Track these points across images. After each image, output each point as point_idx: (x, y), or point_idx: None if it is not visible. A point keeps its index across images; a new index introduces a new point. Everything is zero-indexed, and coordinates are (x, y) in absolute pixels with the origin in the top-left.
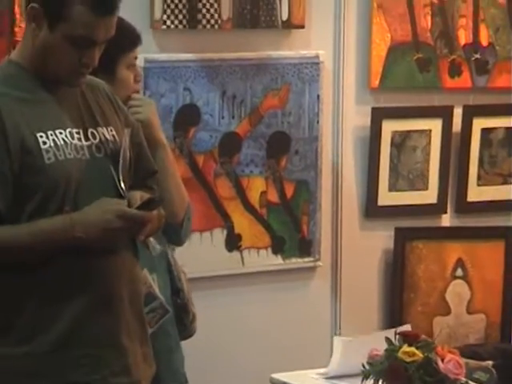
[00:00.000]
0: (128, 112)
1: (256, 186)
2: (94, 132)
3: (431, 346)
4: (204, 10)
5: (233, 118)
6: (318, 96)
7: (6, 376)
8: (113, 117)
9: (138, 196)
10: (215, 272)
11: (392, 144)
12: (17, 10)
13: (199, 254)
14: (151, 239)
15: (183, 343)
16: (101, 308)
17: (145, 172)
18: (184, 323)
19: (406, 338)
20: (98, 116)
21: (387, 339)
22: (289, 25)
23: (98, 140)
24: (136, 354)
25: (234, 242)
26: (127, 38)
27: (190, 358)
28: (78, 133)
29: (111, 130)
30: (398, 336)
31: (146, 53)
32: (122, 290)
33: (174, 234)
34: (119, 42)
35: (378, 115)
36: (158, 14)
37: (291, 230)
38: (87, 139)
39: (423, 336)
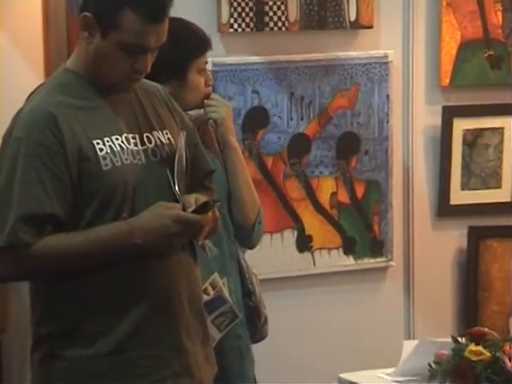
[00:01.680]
0: (184, 114)
1: (326, 187)
2: (150, 136)
3: (499, 344)
4: (271, 13)
5: (301, 119)
6: (388, 96)
7: (72, 377)
8: (168, 120)
9: (193, 199)
10: (286, 273)
11: (464, 142)
12: None
13: (270, 255)
14: (207, 242)
15: (254, 347)
16: (161, 310)
17: (202, 172)
18: (256, 326)
19: (473, 337)
20: (153, 120)
21: (454, 338)
22: (357, 25)
23: (153, 144)
24: (197, 354)
25: (304, 243)
26: (197, 43)
27: (260, 358)
28: (133, 138)
29: (166, 133)
30: (465, 335)
31: (213, 56)
32: (180, 292)
33: (246, 236)
34: (190, 46)
35: (449, 114)
36: (225, 17)
37: (362, 230)
38: (143, 144)
39: (491, 334)
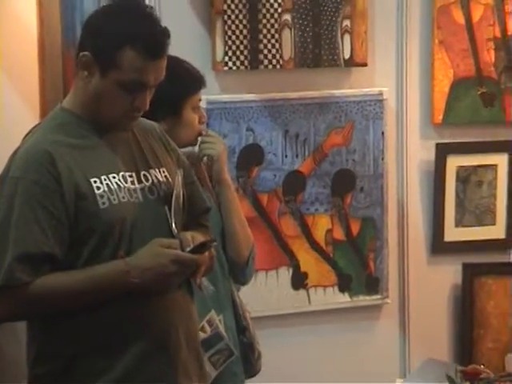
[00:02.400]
0: (180, 152)
1: (321, 224)
2: (147, 174)
3: (492, 383)
4: (265, 51)
5: (296, 156)
6: (383, 133)
7: None
8: (165, 158)
9: (190, 237)
10: (282, 311)
11: (457, 179)
12: None
13: (265, 292)
14: (204, 280)
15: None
16: (159, 349)
17: (198, 210)
18: (250, 361)
19: (468, 376)
20: (150, 158)
21: (448, 377)
22: (351, 63)
23: (150, 182)
24: None
25: (300, 281)
26: (192, 81)
27: None
28: (130, 176)
29: (163, 171)
30: (458, 373)
31: (208, 94)
32: (178, 330)
33: (240, 273)
34: (184, 84)
35: (443, 150)
36: (219, 55)
37: (358, 267)
38: (140, 182)
39: (486, 372)
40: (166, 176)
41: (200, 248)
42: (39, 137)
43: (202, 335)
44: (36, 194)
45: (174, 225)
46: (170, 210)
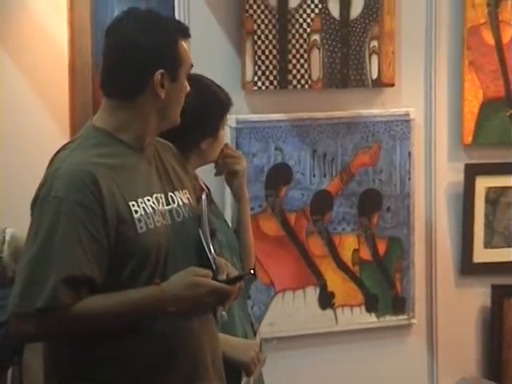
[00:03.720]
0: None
1: (348, 244)
2: (173, 196)
3: None
4: (294, 71)
5: (324, 176)
6: (410, 153)
7: None
8: (185, 179)
9: (224, 264)
10: (308, 330)
11: (486, 200)
12: None
13: (292, 312)
14: (220, 309)
15: None
16: (189, 377)
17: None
18: None
19: None
20: (174, 179)
21: None
22: (379, 83)
23: (176, 204)
24: None
25: (327, 300)
26: (225, 100)
27: None
28: (161, 197)
29: (185, 193)
30: None
31: (237, 113)
32: (206, 355)
33: (250, 286)
34: (221, 104)
35: (472, 171)
36: (249, 75)
37: (384, 287)
38: (168, 203)
39: None
40: (188, 198)
41: (236, 280)
42: (78, 157)
43: None
44: (80, 216)
45: (211, 250)
46: (205, 234)
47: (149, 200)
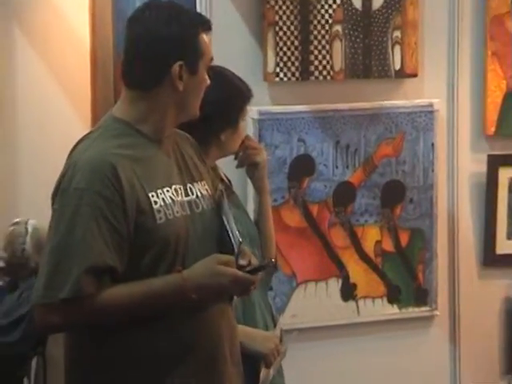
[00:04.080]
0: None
1: (371, 235)
2: (192, 187)
3: None
4: (316, 62)
5: (347, 167)
6: (433, 144)
7: None
8: (203, 170)
9: (248, 251)
10: (331, 322)
11: (510, 191)
12: None
13: (315, 303)
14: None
15: None
16: (207, 367)
17: None
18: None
19: None
20: (193, 170)
21: None
22: (402, 74)
23: (195, 195)
24: None
25: (349, 292)
26: (246, 92)
27: None
28: (180, 189)
29: (204, 185)
30: None
31: (259, 105)
32: (224, 346)
33: (269, 275)
34: (241, 96)
35: (495, 162)
36: (271, 66)
37: (407, 278)
38: (187, 195)
39: None
40: (206, 189)
41: (258, 269)
42: (99, 147)
43: None
44: (101, 207)
45: (235, 233)
46: (227, 218)
47: (168, 191)
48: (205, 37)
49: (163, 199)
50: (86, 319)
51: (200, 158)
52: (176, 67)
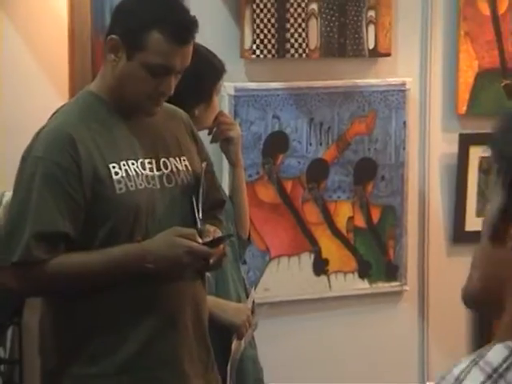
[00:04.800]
0: (203, 145)
1: (343, 211)
2: (167, 162)
3: None
4: (292, 40)
5: (320, 144)
6: (405, 122)
7: None
8: (188, 146)
9: (212, 229)
10: (303, 296)
11: (480, 170)
12: None
13: (287, 278)
14: (208, 275)
15: (270, 369)
16: (165, 334)
17: (214, 202)
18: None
19: None
20: (171, 145)
21: None
22: (375, 53)
23: (169, 170)
24: (200, 379)
25: (321, 266)
26: (219, 67)
27: (274, 379)
28: (150, 163)
29: (184, 160)
30: None
31: (236, 81)
32: (186, 317)
33: (244, 251)
34: (214, 71)
35: (466, 141)
36: (247, 43)
37: (377, 254)
38: (159, 169)
39: None
40: (186, 165)
41: (216, 242)
42: (63, 119)
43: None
44: (56, 175)
45: (199, 215)
46: (197, 200)
47: (133, 164)
48: (159, 38)
49: (126, 170)
50: (41, 284)
51: (191, 135)
52: (113, 38)
